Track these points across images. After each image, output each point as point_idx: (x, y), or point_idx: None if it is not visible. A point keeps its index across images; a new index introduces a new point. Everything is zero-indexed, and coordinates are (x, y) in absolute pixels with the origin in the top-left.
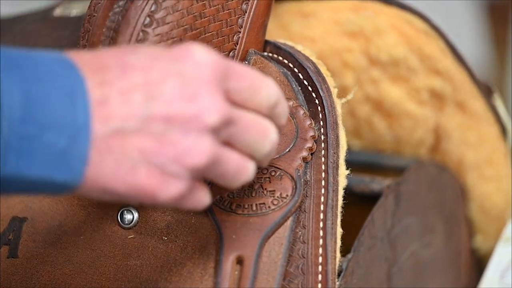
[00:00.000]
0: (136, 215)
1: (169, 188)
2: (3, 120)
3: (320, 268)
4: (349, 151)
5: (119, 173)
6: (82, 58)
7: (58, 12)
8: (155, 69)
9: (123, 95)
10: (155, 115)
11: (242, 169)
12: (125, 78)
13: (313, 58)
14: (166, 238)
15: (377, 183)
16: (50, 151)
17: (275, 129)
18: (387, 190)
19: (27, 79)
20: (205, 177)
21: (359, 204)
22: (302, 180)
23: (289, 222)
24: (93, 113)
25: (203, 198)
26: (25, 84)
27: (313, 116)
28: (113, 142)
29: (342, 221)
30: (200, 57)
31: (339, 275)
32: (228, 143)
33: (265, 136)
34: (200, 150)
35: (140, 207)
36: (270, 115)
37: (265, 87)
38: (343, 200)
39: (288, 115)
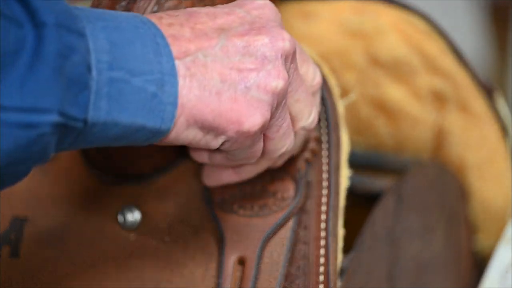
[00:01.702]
0: (138, 215)
1: (255, 114)
2: (92, 62)
3: (321, 268)
4: (350, 151)
5: (205, 99)
6: (160, 20)
7: None
8: (219, 13)
9: (194, 30)
10: (231, 44)
11: (290, 132)
12: (193, 19)
13: (315, 58)
14: (167, 239)
15: (378, 183)
16: (140, 97)
17: None
18: (388, 190)
19: (110, 28)
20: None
21: (360, 204)
22: (304, 181)
23: (291, 223)
24: (172, 48)
25: (261, 146)
26: (110, 32)
27: None
28: (195, 71)
29: (343, 221)
30: (260, 1)
31: (340, 275)
32: None
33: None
34: (279, 74)
35: (142, 207)
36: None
37: (311, 62)
38: (345, 201)
39: None
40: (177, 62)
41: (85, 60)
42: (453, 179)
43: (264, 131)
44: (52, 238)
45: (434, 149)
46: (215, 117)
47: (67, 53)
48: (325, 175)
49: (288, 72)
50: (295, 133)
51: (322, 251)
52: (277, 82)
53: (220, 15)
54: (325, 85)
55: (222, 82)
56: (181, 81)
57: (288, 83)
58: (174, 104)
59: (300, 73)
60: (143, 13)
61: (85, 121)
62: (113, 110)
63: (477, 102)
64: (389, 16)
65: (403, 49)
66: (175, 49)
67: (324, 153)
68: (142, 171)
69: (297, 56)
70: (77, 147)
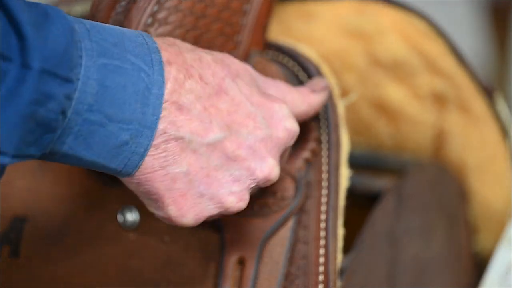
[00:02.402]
0: (138, 216)
1: (190, 217)
2: (71, 106)
3: (321, 268)
4: (350, 151)
5: (161, 176)
6: (180, 58)
7: None
8: (243, 109)
9: (205, 112)
10: (222, 147)
11: None
12: (216, 99)
13: (315, 59)
14: (167, 239)
15: (378, 183)
16: (110, 142)
17: None
18: (388, 190)
19: (110, 69)
20: None
21: (360, 204)
22: (304, 181)
23: (290, 223)
24: (167, 114)
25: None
26: (106, 73)
27: (315, 117)
28: (170, 149)
29: (343, 221)
30: (289, 126)
31: (340, 275)
32: None
33: None
34: (240, 200)
35: (142, 207)
36: None
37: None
38: (345, 201)
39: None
40: (161, 128)
41: (61, 107)
42: (453, 179)
43: None
44: (52, 238)
45: (434, 150)
46: (158, 194)
47: (43, 101)
48: (325, 175)
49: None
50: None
51: (322, 251)
52: (232, 206)
53: (242, 112)
54: None
55: (186, 174)
56: (152, 148)
57: (244, 207)
58: (142, 156)
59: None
60: (143, 13)
61: (42, 154)
62: (77, 147)
63: (477, 102)
64: (389, 16)
65: (403, 49)
66: (170, 118)
67: (324, 153)
68: None
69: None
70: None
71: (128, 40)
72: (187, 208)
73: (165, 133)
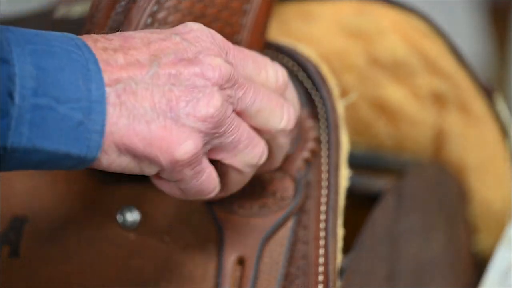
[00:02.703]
0: (138, 215)
1: (186, 141)
2: (16, 90)
3: (321, 268)
4: (349, 151)
5: (134, 127)
6: (84, 36)
7: (59, 12)
8: (154, 39)
9: (127, 56)
10: (162, 73)
11: (255, 142)
12: (127, 43)
13: (314, 59)
14: (167, 239)
15: (378, 183)
16: (65, 124)
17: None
18: (388, 190)
19: (39, 53)
20: (212, 146)
21: (359, 204)
22: (304, 181)
23: (290, 223)
24: (104, 75)
25: (214, 179)
26: (38, 56)
27: (315, 117)
28: (125, 99)
29: (343, 221)
30: (197, 29)
31: (340, 275)
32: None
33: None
34: (210, 101)
35: (142, 207)
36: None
37: (270, 65)
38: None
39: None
40: (108, 90)
41: (6, 87)
42: (453, 179)
43: (212, 155)
44: (52, 238)
45: (434, 150)
46: (145, 146)
47: None
48: (324, 175)
49: (228, 95)
50: (274, 137)
51: (321, 251)
52: (207, 110)
53: (155, 41)
54: (324, 86)
55: (152, 110)
56: (110, 109)
57: (220, 109)
58: (101, 132)
59: (258, 81)
60: (143, 13)
61: (4, 148)
62: (35, 137)
63: (477, 103)
64: (389, 16)
65: (403, 49)
66: (106, 76)
67: (324, 153)
68: None
69: (250, 66)
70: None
71: (46, 33)
72: (176, 137)
73: (111, 89)
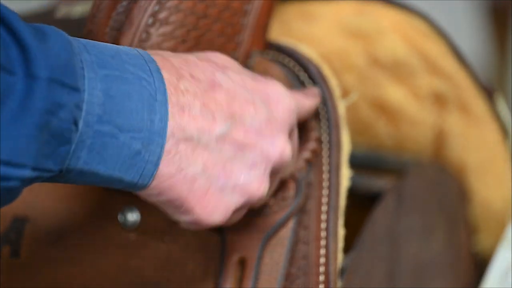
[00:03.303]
0: (138, 215)
1: (216, 214)
2: (81, 116)
3: (322, 268)
4: (350, 151)
5: (178, 179)
6: (167, 63)
7: (60, 12)
8: (240, 96)
9: (206, 108)
10: (231, 137)
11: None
12: (212, 93)
13: (316, 59)
14: (168, 239)
15: (378, 183)
16: (123, 153)
17: None
18: (388, 190)
19: (111, 79)
20: None
21: (360, 204)
22: (305, 181)
23: (291, 223)
24: (170, 117)
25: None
26: (109, 83)
27: (316, 117)
28: (181, 150)
29: (343, 221)
30: (287, 104)
31: (340, 275)
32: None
33: None
34: (259, 188)
35: (143, 207)
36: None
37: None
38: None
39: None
40: (170, 133)
41: (72, 116)
42: (453, 179)
43: None
44: (52, 238)
45: (434, 150)
46: (181, 199)
47: (55, 110)
48: (325, 175)
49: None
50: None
51: (322, 251)
52: (257, 191)
53: (239, 100)
54: (326, 86)
55: (203, 172)
56: (165, 154)
57: (266, 191)
58: (156, 164)
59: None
60: (144, 13)
61: (60, 169)
62: (92, 161)
63: (477, 103)
64: (389, 17)
65: (403, 50)
66: (175, 120)
67: (325, 153)
68: None
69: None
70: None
71: (124, 53)
72: (213, 205)
73: (173, 136)
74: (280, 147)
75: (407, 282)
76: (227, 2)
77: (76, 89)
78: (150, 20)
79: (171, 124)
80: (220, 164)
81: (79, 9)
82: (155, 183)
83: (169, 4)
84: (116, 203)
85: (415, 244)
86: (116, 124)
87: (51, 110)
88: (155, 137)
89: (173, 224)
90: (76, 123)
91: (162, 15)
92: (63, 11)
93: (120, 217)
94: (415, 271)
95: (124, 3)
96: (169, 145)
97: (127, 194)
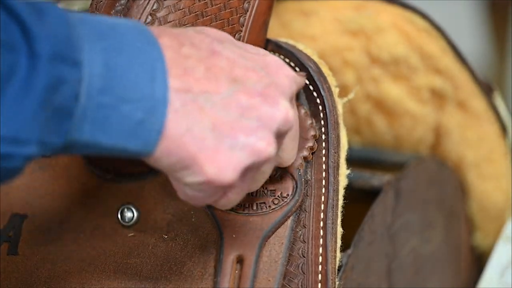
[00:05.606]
0: (136, 213)
1: (228, 171)
2: (82, 89)
3: (320, 267)
4: (349, 148)
5: (190, 137)
6: (167, 31)
7: None
8: (240, 64)
9: (209, 72)
10: (236, 99)
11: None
12: (213, 59)
13: (315, 57)
14: (166, 237)
15: (377, 179)
16: (125, 123)
17: None
18: (387, 186)
19: (110, 50)
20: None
21: (359, 200)
22: (303, 179)
23: (289, 222)
24: (174, 79)
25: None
26: (108, 55)
27: (314, 115)
28: (190, 110)
29: (342, 216)
30: (287, 72)
31: (339, 270)
32: None
33: None
34: (269, 143)
35: (141, 205)
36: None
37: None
38: (343, 198)
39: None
40: (175, 95)
41: (74, 90)
42: (452, 175)
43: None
44: (51, 235)
45: (433, 147)
46: (191, 158)
47: (57, 86)
48: (324, 174)
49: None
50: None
51: (320, 250)
52: (266, 149)
53: (240, 67)
54: (325, 85)
55: (212, 130)
56: (173, 114)
57: (274, 151)
58: (159, 131)
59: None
60: (143, 11)
61: (64, 143)
62: (96, 134)
63: (476, 100)
64: (388, 14)
65: (403, 47)
66: (180, 82)
67: (323, 152)
68: (142, 169)
69: None
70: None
71: (122, 25)
72: (223, 162)
73: (179, 97)
74: (284, 110)
75: (406, 277)
76: (226, 1)
77: (77, 63)
78: (149, 19)
79: (175, 86)
80: (228, 124)
81: (78, 6)
82: (164, 144)
83: (167, 2)
84: (115, 200)
85: (414, 239)
86: (117, 95)
87: (54, 86)
88: (157, 105)
89: (172, 223)
90: (78, 97)
91: (160, 13)
92: (61, 7)
93: (118, 215)
94: (414, 266)
95: (123, 1)
96: (176, 106)
97: (126, 192)
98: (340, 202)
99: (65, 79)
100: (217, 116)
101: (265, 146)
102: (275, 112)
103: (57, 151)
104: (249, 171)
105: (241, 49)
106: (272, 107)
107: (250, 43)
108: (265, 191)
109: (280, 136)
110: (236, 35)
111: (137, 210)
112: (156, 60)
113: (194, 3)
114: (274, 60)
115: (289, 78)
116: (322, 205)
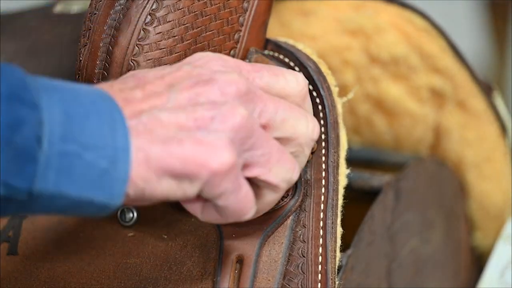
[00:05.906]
0: (136, 213)
1: (221, 151)
2: (45, 134)
3: (320, 267)
4: (348, 148)
5: (168, 149)
6: (112, 88)
7: (58, 8)
8: (166, 72)
9: (145, 91)
10: (182, 98)
11: (286, 156)
12: (142, 81)
13: (314, 57)
14: (166, 237)
15: (377, 179)
16: (90, 172)
17: None
18: (387, 186)
19: (67, 101)
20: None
21: (358, 200)
22: (303, 179)
23: (289, 221)
24: (125, 111)
25: (251, 198)
26: (66, 104)
27: (314, 115)
28: (152, 127)
29: (342, 216)
30: (205, 53)
31: (338, 271)
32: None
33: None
34: (234, 111)
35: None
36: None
37: (287, 71)
38: (343, 198)
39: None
40: (133, 122)
41: (35, 132)
42: (452, 174)
43: (247, 173)
44: (50, 235)
45: (433, 147)
46: (183, 164)
47: (17, 126)
48: (323, 174)
49: (249, 107)
50: (301, 150)
51: (320, 250)
52: (234, 119)
53: (168, 74)
54: (324, 84)
55: (181, 131)
56: (141, 139)
57: (247, 117)
58: (124, 180)
59: (278, 88)
60: (142, 11)
61: (29, 193)
62: (61, 183)
63: (476, 100)
64: (388, 14)
65: (402, 47)
66: (128, 111)
67: (323, 151)
68: None
69: (266, 75)
70: (22, 214)
71: (74, 85)
72: (211, 149)
73: (137, 121)
74: (228, 80)
75: (406, 278)
76: (225, 0)
77: (35, 106)
78: (148, 18)
79: (127, 114)
80: (190, 118)
81: (77, 6)
82: (151, 169)
83: (167, 2)
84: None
85: (414, 239)
86: (80, 143)
87: (13, 126)
88: (120, 154)
89: (172, 223)
90: (39, 141)
91: (160, 13)
92: (60, 7)
93: (118, 215)
94: (414, 266)
95: (122, 1)
96: (139, 129)
97: None
98: (340, 201)
99: (24, 119)
100: (177, 118)
101: (232, 115)
102: (220, 86)
103: (25, 205)
104: (243, 144)
105: (158, 69)
106: (215, 85)
107: (250, 43)
108: None
109: (247, 96)
110: (236, 34)
111: (137, 210)
112: (113, 110)
113: (194, 3)
114: (203, 55)
115: (213, 59)
116: (322, 205)
